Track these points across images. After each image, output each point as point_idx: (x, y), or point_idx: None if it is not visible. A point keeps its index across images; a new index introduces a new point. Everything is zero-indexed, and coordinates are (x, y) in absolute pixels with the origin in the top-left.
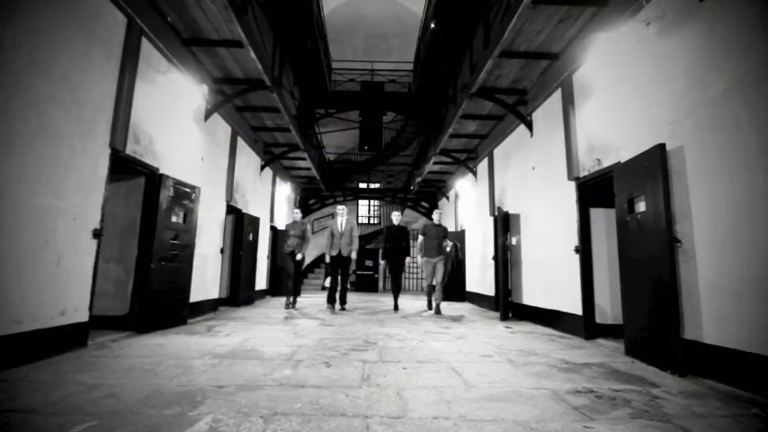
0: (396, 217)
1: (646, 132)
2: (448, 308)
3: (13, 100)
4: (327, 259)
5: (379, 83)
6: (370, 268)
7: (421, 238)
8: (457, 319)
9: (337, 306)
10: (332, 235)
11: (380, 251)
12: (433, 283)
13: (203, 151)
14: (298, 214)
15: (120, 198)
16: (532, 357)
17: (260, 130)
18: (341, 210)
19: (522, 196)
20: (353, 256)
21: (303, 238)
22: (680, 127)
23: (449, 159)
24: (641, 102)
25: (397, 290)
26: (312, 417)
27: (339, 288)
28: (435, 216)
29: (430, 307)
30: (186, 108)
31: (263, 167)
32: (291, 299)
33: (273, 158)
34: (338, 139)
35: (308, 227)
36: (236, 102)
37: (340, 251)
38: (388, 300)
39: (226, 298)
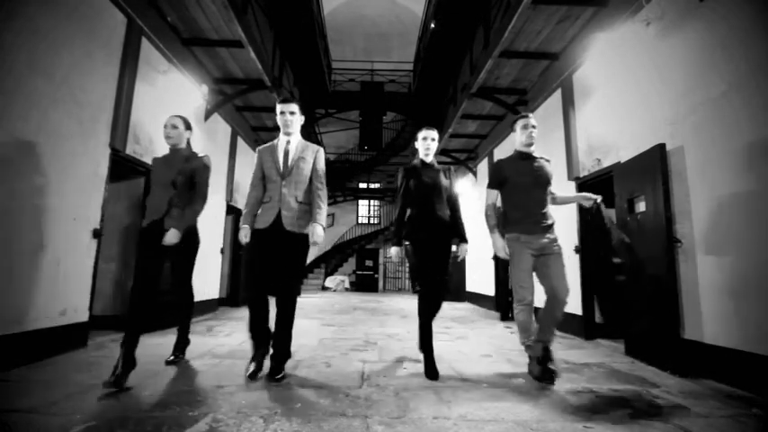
0: (427, 143)
1: (646, 132)
2: (448, 308)
3: (14, 101)
4: (243, 236)
5: (379, 83)
6: (370, 268)
7: (492, 194)
8: (457, 319)
9: (266, 365)
10: (262, 175)
11: (394, 225)
12: (529, 300)
13: (203, 151)
14: (177, 131)
15: (121, 198)
16: None
17: (260, 130)
18: (285, 116)
19: None
20: (318, 231)
21: (188, 189)
22: (680, 127)
23: (449, 159)
24: (641, 102)
25: (428, 321)
26: (312, 417)
27: (277, 316)
28: (523, 136)
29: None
30: (186, 108)
31: None
32: (124, 354)
33: None
34: (338, 139)
35: (206, 164)
36: (236, 102)
37: (279, 216)
38: (388, 300)
39: (226, 298)
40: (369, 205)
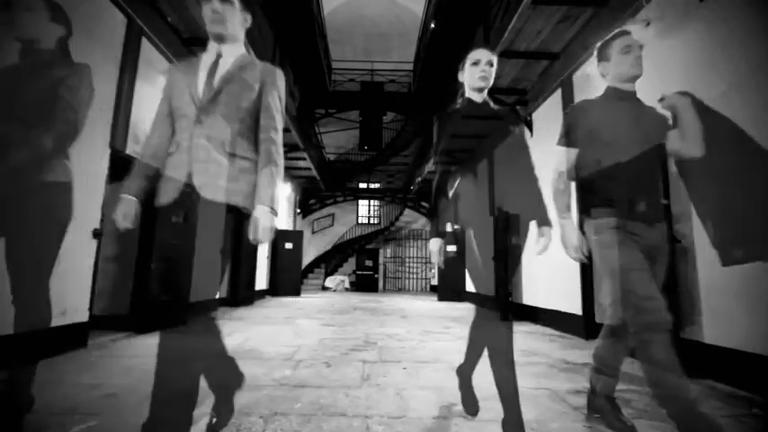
0: (480, 70)
1: None
2: (448, 308)
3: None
4: (120, 216)
5: (379, 83)
6: (370, 268)
7: (569, 155)
8: (457, 319)
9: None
10: (169, 109)
11: (433, 202)
12: (669, 320)
13: None
14: None
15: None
16: (532, 357)
17: None
18: (212, 4)
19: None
20: (263, 219)
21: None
22: None
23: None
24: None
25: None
26: (312, 417)
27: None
28: (624, 64)
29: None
30: None
31: None
32: None
33: None
34: (338, 139)
35: (85, 73)
36: None
37: (191, 178)
38: (388, 300)
39: (226, 298)
40: (369, 205)
